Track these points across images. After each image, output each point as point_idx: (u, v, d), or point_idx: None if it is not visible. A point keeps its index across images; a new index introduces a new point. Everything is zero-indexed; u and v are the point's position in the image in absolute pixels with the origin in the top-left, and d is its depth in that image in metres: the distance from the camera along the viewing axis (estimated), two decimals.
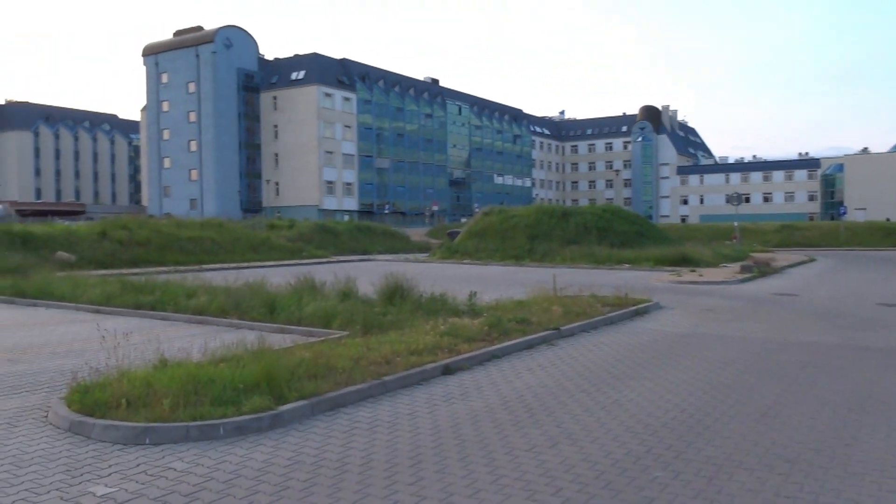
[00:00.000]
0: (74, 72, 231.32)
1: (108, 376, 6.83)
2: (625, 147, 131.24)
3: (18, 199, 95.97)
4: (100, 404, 6.30)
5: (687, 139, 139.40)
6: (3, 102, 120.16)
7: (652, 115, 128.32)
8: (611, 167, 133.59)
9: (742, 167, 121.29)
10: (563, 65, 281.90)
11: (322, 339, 9.71)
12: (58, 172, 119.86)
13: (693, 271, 24.23)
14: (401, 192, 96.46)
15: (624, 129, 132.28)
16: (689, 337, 11.53)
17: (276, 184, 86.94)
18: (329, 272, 16.47)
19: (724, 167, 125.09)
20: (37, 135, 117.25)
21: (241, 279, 15.25)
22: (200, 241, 28.72)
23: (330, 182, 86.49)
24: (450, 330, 9.91)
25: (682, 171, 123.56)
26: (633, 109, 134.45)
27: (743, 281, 22.19)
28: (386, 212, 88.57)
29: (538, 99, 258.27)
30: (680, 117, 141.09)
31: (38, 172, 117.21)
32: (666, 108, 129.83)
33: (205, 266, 25.58)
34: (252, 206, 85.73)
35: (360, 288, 13.37)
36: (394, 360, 8.20)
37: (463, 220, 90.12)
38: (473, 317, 11.38)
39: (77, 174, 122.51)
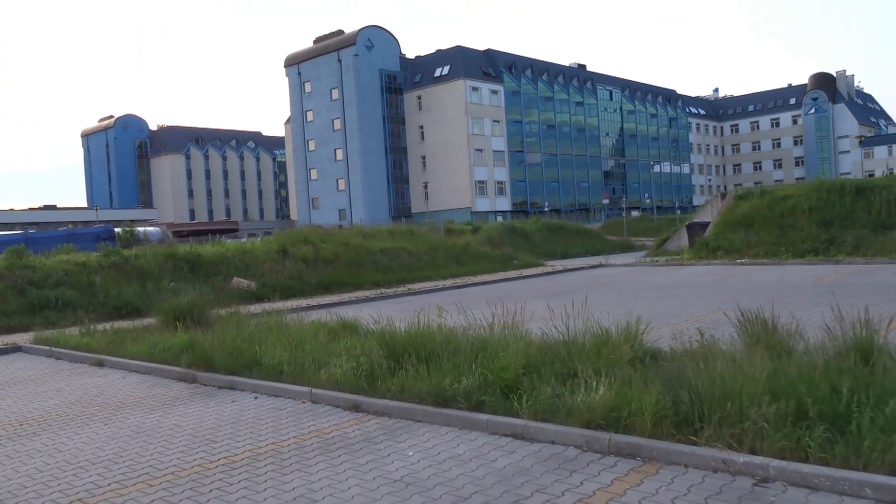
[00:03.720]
0: (219, 93, 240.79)
1: None
2: (794, 122, 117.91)
3: (174, 221, 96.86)
4: None
5: (866, 107, 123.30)
6: (154, 128, 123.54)
7: (825, 84, 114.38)
8: (778, 145, 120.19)
9: None
10: (713, 36, 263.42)
11: None
12: (209, 192, 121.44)
13: None
14: (554, 187, 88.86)
15: (792, 101, 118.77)
16: None
17: (426, 187, 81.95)
18: (617, 289, 9.34)
19: None
20: (188, 157, 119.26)
21: (486, 302, 7.96)
22: (396, 254, 22.69)
23: (481, 182, 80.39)
24: None
25: (867, 143, 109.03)
26: (801, 79, 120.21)
27: None
28: (546, 209, 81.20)
29: (690, 78, 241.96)
30: (856, 83, 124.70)
31: (190, 194, 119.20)
32: (842, 73, 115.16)
33: (412, 286, 19.50)
34: (401, 212, 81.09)
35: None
36: None
37: (634, 213, 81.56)
38: None
39: (227, 193, 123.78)
